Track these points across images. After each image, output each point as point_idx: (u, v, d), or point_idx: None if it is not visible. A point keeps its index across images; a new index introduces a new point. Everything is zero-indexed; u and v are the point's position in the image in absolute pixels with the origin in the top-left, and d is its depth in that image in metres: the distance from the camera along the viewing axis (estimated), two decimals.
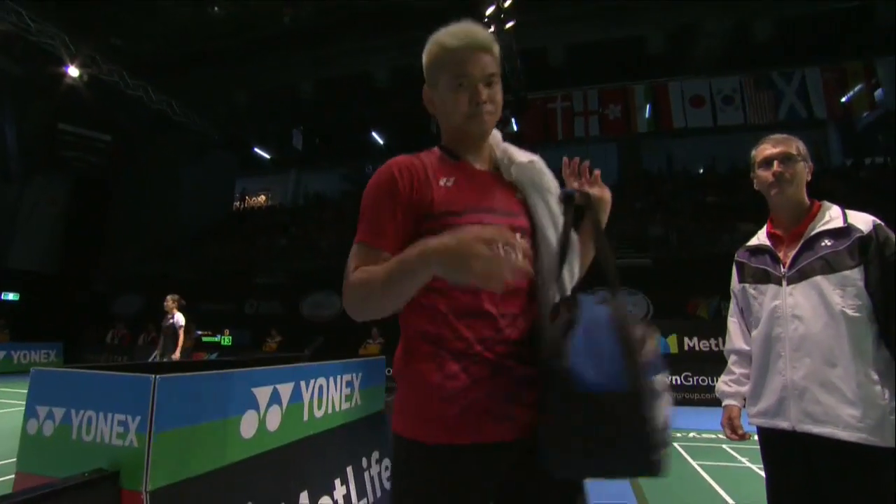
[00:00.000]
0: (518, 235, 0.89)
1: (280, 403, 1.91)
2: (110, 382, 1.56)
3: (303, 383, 2.04)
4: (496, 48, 1.11)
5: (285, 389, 1.94)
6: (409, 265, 0.90)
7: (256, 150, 22.48)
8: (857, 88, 12.20)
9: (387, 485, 2.68)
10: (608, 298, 0.95)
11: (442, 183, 1.06)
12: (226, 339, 13.73)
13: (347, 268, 1.00)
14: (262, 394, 1.82)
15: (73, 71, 13.59)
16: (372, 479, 2.61)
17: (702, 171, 17.74)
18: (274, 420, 1.86)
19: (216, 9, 15.06)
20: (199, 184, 20.07)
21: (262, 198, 24.73)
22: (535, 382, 0.96)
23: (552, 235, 1.07)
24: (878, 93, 12.03)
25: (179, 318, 6.52)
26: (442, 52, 1.09)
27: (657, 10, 13.57)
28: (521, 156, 1.13)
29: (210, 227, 19.61)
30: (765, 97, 12.94)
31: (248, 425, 1.74)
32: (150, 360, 6.67)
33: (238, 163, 22.86)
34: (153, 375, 1.43)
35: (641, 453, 0.84)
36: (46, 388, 1.66)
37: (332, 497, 2.18)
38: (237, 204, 24.03)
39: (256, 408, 1.79)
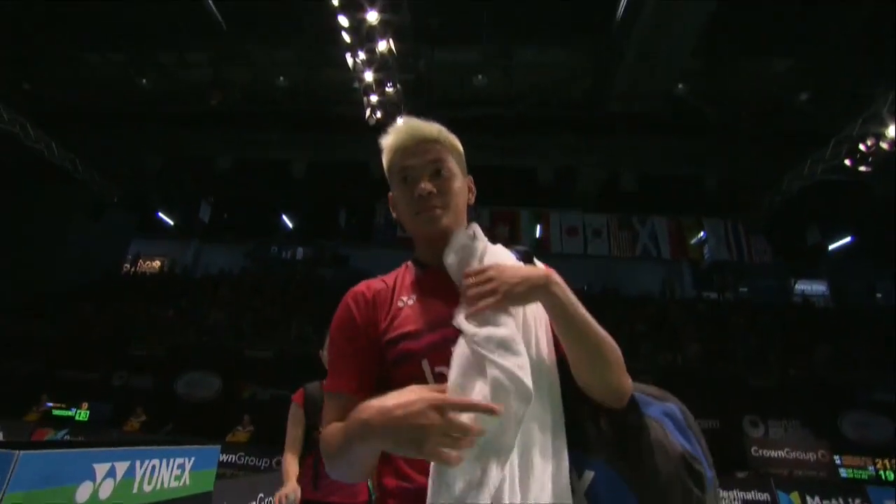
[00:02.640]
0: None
1: (115, 477, 2.38)
2: None
3: (138, 462, 2.52)
4: (446, 137, 1.04)
5: (122, 466, 2.41)
6: (352, 433, 0.78)
7: (159, 214, 21.89)
8: (693, 240, 15.13)
9: None
10: None
11: (401, 304, 0.97)
12: (82, 414, 12.23)
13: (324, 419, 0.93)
14: (101, 468, 2.31)
15: None
16: None
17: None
18: (106, 490, 2.32)
19: (144, 81, 15.50)
20: (87, 240, 18.97)
21: (157, 263, 23.67)
22: None
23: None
24: (705, 248, 14.98)
25: None
26: (387, 151, 1.03)
27: (548, 147, 16.08)
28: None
29: (88, 287, 18.31)
30: (626, 235, 15.54)
31: (83, 492, 2.20)
32: None
33: (137, 224, 22.00)
34: (17, 451, 1.91)
35: None
36: None
37: None
38: (128, 266, 22.73)
39: (93, 479, 2.26)
